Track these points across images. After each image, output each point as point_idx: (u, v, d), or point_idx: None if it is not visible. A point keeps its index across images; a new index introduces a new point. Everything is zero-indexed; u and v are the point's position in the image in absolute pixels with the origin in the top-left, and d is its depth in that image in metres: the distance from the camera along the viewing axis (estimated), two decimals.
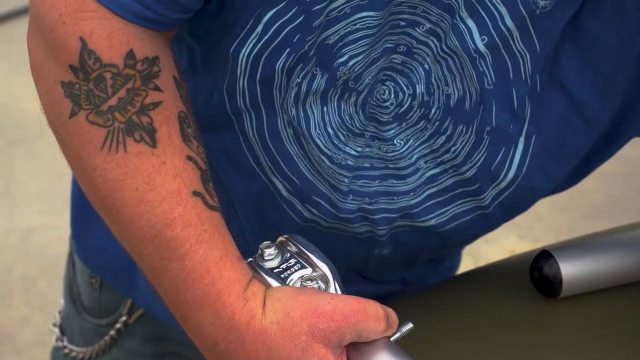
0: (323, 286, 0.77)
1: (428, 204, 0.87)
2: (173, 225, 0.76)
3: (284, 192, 0.87)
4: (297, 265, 0.78)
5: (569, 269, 0.88)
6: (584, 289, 0.90)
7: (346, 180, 0.85)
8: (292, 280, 0.77)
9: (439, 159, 0.85)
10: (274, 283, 0.77)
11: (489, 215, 0.88)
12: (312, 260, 0.78)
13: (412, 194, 0.86)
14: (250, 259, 0.79)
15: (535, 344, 0.87)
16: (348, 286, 0.80)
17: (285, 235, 0.80)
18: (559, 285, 0.88)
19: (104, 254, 1.05)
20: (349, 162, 0.85)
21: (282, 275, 0.78)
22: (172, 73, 0.79)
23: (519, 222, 1.65)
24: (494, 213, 0.88)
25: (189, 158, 0.78)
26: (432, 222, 0.88)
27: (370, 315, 0.73)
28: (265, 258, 0.79)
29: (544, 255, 0.89)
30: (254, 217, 0.91)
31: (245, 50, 0.80)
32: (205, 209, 0.77)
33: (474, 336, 0.87)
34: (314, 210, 0.87)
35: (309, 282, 0.76)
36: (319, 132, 0.83)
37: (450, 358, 0.86)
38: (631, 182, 2.82)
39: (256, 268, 0.78)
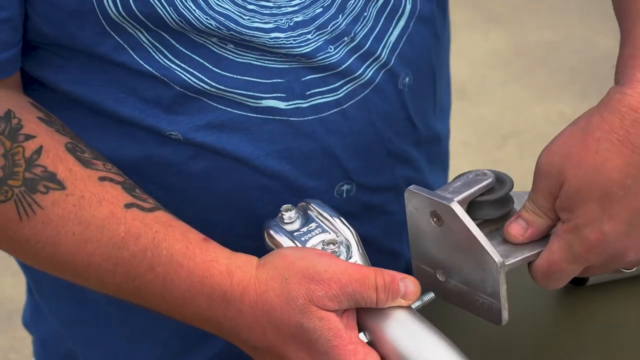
0: (344, 251, 0.76)
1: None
2: (125, 245, 0.75)
3: None
4: (319, 229, 0.77)
5: None
6: (613, 277, 0.88)
7: None
8: (313, 244, 0.76)
9: None
10: (288, 244, 0.76)
11: None
12: (335, 225, 0.77)
13: None
14: (271, 220, 0.78)
15: (564, 331, 0.86)
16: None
17: (305, 200, 0.79)
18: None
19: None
20: None
21: (303, 239, 0.76)
22: (35, 115, 0.77)
23: None
24: None
25: (102, 179, 0.76)
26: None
27: (369, 285, 0.72)
28: (285, 221, 0.77)
29: None
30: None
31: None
32: (145, 213, 0.76)
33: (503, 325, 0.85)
34: None
35: (331, 245, 0.75)
36: None
37: (473, 333, 0.84)
38: None
39: (277, 230, 0.77)
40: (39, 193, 0.74)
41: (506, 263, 0.73)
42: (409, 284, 0.74)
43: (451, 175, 1.00)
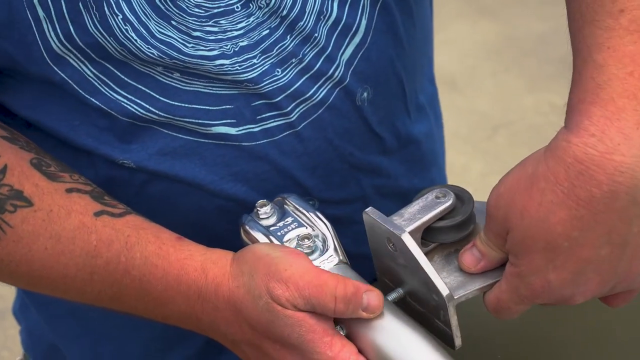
0: (320, 245, 0.75)
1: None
2: (98, 253, 0.75)
3: None
4: (295, 223, 0.76)
5: None
6: None
7: None
8: (289, 239, 0.76)
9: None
10: (263, 240, 0.76)
11: None
12: (311, 220, 0.76)
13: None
14: (247, 215, 0.77)
15: (544, 313, 0.85)
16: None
17: (282, 195, 0.78)
18: None
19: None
20: None
21: (279, 234, 0.76)
22: None
23: None
24: None
25: (69, 190, 0.76)
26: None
27: (326, 293, 0.71)
28: (261, 216, 0.77)
29: None
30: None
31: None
32: (116, 219, 0.76)
33: (482, 306, 0.85)
34: None
35: (306, 240, 0.75)
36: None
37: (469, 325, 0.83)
38: None
39: (252, 225, 0.77)
40: (7, 212, 0.74)
41: (455, 297, 0.72)
42: (372, 297, 0.72)
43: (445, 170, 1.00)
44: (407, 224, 0.74)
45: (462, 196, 0.75)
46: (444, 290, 0.72)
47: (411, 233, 0.73)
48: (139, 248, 0.75)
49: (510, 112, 2.64)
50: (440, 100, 1.06)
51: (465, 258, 0.74)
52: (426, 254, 0.75)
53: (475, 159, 2.45)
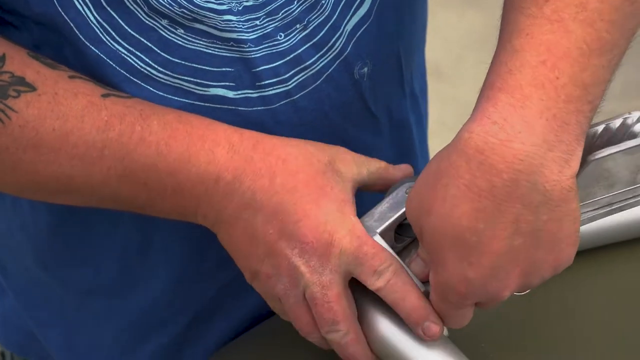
0: None
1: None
2: (110, 126, 0.73)
3: None
4: None
5: None
6: (582, 246, 0.88)
7: None
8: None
9: None
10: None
11: None
12: None
13: None
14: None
15: (529, 301, 0.86)
16: None
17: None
18: None
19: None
20: None
21: None
22: None
23: None
24: None
25: (72, 77, 0.74)
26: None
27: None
28: None
29: None
30: None
31: None
32: (125, 99, 0.74)
33: None
34: None
35: None
36: None
37: None
38: None
39: None
40: (11, 98, 0.72)
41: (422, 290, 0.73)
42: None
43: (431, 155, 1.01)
44: (378, 224, 0.73)
45: None
46: (420, 288, 0.73)
47: (383, 233, 0.73)
48: (156, 117, 0.73)
49: None
50: (426, 88, 1.06)
51: (414, 268, 0.74)
52: (403, 249, 0.75)
53: None
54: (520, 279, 0.68)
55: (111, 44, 0.76)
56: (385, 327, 0.74)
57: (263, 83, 0.80)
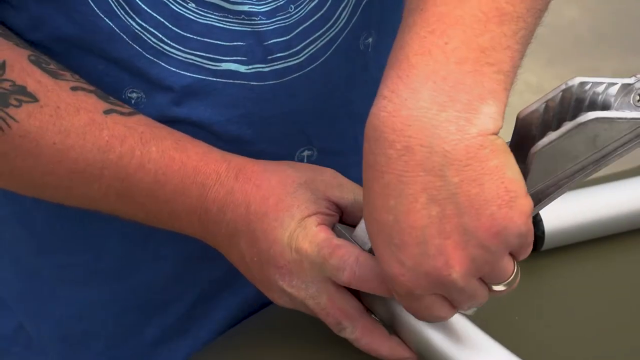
0: None
1: None
2: (111, 147, 0.73)
3: None
4: None
5: (552, 221, 0.87)
6: (568, 241, 0.89)
7: None
8: None
9: None
10: None
11: None
12: None
13: None
14: None
15: (517, 297, 0.85)
16: None
17: None
18: (541, 239, 0.87)
19: None
20: None
21: None
22: None
23: None
24: None
25: (74, 88, 0.74)
26: None
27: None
28: None
29: None
30: None
31: None
32: (126, 117, 0.74)
33: None
34: None
35: None
36: None
37: None
38: None
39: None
40: (12, 107, 0.72)
41: None
42: None
43: None
44: (364, 243, 0.72)
45: None
46: None
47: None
48: (154, 143, 0.74)
49: None
50: None
51: None
52: None
53: None
54: (460, 252, 0.65)
55: (125, 18, 0.76)
56: (396, 309, 0.74)
57: (275, 56, 0.80)
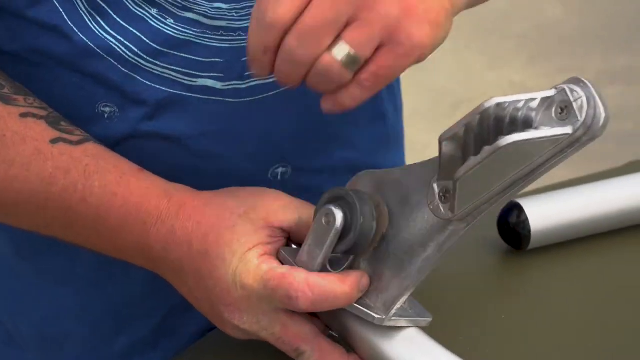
0: None
1: None
2: (54, 180, 0.73)
3: None
4: None
5: (538, 221, 0.87)
6: (554, 240, 0.88)
7: None
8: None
9: None
10: None
11: None
12: None
13: None
14: None
15: (503, 295, 0.86)
16: None
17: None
18: (527, 238, 0.87)
19: None
20: None
21: None
22: None
23: None
24: None
25: (24, 115, 0.74)
26: None
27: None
28: None
29: (512, 207, 0.87)
30: None
31: None
32: (74, 147, 0.74)
33: (442, 287, 0.86)
34: None
35: None
36: None
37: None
38: None
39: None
40: None
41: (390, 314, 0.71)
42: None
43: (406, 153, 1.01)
44: (309, 265, 0.70)
45: (349, 203, 0.70)
46: (373, 319, 0.71)
47: (316, 268, 0.70)
48: (98, 177, 0.74)
49: (471, 89, 2.65)
50: (400, 76, 1.06)
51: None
52: (350, 267, 0.72)
53: (436, 136, 2.46)
54: (331, 11, 0.65)
55: (99, 32, 0.76)
56: (349, 322, 0.73)
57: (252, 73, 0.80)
